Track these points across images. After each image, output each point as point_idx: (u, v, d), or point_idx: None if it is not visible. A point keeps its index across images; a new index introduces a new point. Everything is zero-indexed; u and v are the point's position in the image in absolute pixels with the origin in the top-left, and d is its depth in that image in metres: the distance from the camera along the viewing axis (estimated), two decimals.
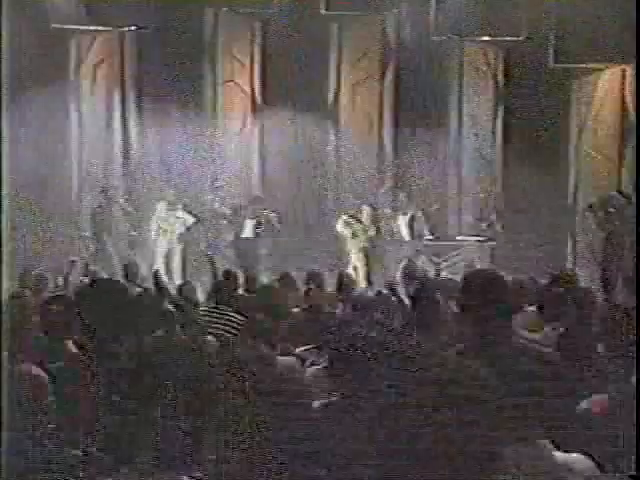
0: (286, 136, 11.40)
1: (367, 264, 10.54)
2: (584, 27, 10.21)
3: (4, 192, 7.82)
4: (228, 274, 6.61)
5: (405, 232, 10.72)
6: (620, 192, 9.92)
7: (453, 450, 1.52)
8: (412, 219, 10.75)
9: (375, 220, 10.75)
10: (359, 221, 10.71)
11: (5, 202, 8.21)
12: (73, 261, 8.37)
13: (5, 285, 5.36)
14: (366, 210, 10.78)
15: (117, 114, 11.39)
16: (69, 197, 11.27)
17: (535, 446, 2.02)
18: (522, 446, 1.96)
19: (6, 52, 8.86)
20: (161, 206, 10.86)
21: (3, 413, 1.95)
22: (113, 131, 11.41)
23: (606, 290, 7.57)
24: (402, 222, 10.75)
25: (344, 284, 6.49)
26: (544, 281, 6.10)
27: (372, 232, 10.68)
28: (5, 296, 4.93)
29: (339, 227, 10.74)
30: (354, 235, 10.64)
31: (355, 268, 10.41)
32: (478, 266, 9.83)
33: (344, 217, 10.73)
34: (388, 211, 10.97)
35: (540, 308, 5.14)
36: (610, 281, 8.06)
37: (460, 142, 11.60)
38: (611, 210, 9.60)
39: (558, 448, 2.04)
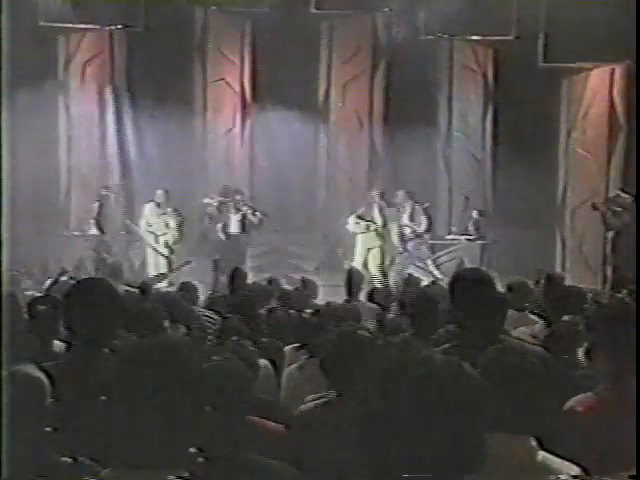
0: (276, 134, 11.37)
1: (381, 262, 10.41)
2: (573, 26, 10.22)
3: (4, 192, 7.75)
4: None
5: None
6: (623, 190, 9.93)
7: (440, 446, 1.52)
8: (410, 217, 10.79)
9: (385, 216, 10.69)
10: (369, 220, 10.66)
11: (4, 202, 8.15)
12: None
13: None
14: (377, 206, 10.71)
15: (106, 113, 11.33)
16: (57, 196, 11.21)
17: (521, 444, 2.02)
18: (508, 443, 1.96)
19: None
20: (150, 207, 10.76)
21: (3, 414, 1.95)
22: (101, 129, 11.34)
23: (613, 288, 7.55)
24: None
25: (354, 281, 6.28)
26: (531, 281, 6.11)
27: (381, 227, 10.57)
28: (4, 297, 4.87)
29: (350, 226, 10.66)
30: (367, 230, 10.56)
31: (365, 265, 10.29)
32: (467, 265, 9.86)
33: (354, 216, 10.65)
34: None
35: (531, 308, 5.17)
36: (620, 279, 8.01)
37: (450, 141, 11.62)
38: (617, 209, 9.62)
39: (542, 447, 2.04)
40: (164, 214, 10.65)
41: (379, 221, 10.57)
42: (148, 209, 10.70)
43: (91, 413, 2.25)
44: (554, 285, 5.52)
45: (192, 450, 1.71)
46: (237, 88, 11.57)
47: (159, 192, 10.63)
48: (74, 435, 2.27)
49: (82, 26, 11.01)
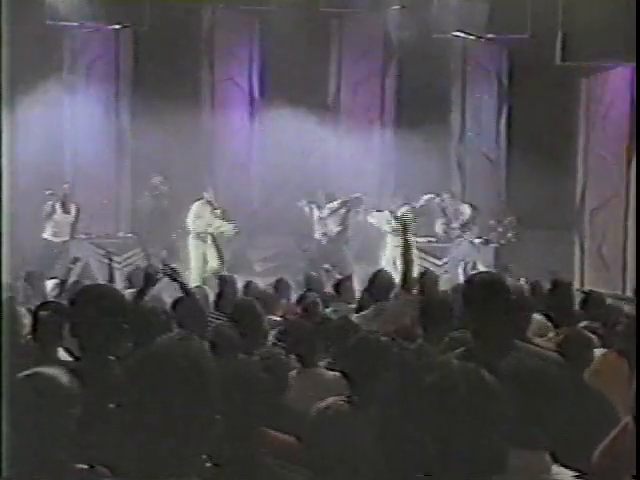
0: (285, 135, 11.15)
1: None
2: (592, 24, 9.95)
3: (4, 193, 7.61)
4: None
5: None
6: None
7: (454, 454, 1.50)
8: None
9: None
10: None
11: (4, 204, 8.01)
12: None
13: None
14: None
15: (111, 112, 11.18)
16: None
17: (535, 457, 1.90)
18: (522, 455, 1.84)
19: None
20: (200, 206, 10.16)
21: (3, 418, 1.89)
22: (107, 130, 11.18)
23: None
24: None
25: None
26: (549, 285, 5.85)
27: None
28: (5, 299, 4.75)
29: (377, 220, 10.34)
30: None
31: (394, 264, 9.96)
32: (480, 268, 9.63)
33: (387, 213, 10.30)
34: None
35: (546, 313, 4.99)
36: None
37: (463, 142, 11.37)
38: None
39: (556, 461, 1.94)
40: (215, 211, 10.22)
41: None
42: (199, 208, 10.16)
43: (99, 421, 2.19)
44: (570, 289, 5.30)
45: (202, 458, 1.68)
46: (246, 87, 11.40)
47: (210, 190, 10.12)
48: (82, 443, 2.14)
49: (88, 25, 10.86)
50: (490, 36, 11.05)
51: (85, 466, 1.96)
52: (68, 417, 1.98)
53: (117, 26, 10.90)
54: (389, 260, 9.87)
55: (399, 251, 10.08)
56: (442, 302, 4.51)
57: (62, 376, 2.02)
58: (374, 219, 10.33)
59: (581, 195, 11.00)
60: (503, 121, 11.36)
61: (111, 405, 1.85)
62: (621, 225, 10.11)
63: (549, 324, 4.86)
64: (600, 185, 10.71)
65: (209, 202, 10.09)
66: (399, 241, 10.11)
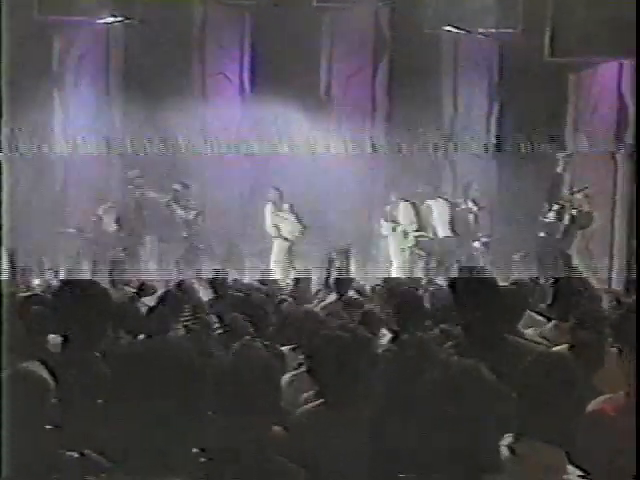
0: (276, 129, 11.14)
1: None
2: (581, 20, 10.01)
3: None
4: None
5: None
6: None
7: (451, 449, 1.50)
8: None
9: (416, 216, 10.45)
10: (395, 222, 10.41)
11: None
12: None
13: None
14: (403, 206, 10.45)
15: (102, 107, 11.13)
16: (53, 192, 11.02)
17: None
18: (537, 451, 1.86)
19: None
20: (268, 209, 10.44)
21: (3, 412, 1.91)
22: (98, 124, 11.13)
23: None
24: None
25: None
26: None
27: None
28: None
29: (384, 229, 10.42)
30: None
31: None
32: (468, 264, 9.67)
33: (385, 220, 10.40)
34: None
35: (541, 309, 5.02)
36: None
37: (453, 136, 11.39)
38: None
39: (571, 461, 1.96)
40: (283, 212, 10.39)
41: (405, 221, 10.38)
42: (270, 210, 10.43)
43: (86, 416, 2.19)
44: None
45: (196, 453, 1.68)
46: (236, 82, 11.37)
47: (274, 192, 10.41)
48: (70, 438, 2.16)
49: (78, 19, 10.81)
50: (481, 31, 11.09)
51: (75, 454, 1.97)
52: (46, 408, 2.01)
53: (108, 20, 10.85)
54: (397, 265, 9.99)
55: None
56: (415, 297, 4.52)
57: (40, 370, 2.06)
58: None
59: (570, 191, 11.07)
60: (494, 116, 11.38)
61: (99, 400, 1.85)
62: (608, 221, 10.19)
63: (540, 318, 4.89)
64: (588, 180, 10.79)
65: (274, 203, 10.44)
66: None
